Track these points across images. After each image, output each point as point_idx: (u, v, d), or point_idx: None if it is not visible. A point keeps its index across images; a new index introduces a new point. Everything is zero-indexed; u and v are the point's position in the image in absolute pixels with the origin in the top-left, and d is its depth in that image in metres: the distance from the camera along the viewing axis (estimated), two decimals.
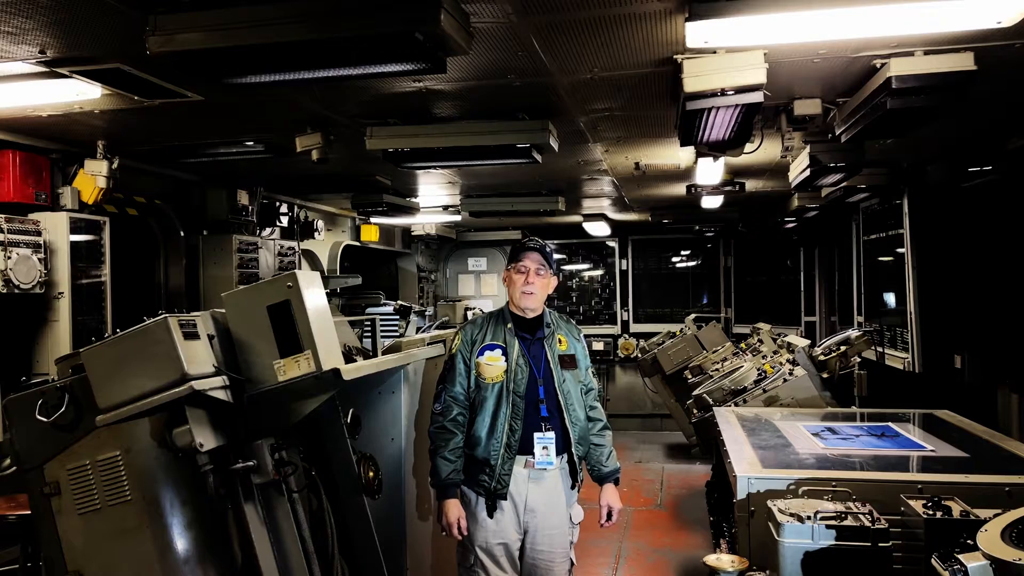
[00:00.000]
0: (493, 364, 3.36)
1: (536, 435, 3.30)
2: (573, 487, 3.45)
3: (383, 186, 6.82)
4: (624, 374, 11.67)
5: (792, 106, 4.06)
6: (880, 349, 6.95)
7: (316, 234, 7.93)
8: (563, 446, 3.36)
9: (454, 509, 3.29)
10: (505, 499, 3.28)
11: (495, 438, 3.28)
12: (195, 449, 2.38)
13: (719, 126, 3.56)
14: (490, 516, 3.29)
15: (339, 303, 7.93)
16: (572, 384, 3.42)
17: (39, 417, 2.49)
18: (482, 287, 12.49)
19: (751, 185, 7.03)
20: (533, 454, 3.30)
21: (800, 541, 2.76)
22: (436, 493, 3.39)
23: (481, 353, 3.38)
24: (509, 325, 3.44)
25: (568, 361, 3.46)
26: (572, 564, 3.47)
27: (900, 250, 6.78)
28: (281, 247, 7.21)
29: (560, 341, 3.49)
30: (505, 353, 3.37)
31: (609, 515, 3.49)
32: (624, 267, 12.15)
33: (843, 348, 6.66)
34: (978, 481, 3.20)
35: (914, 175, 6.36)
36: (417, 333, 6.42)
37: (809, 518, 2.77)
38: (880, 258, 7.61)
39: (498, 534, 3.30)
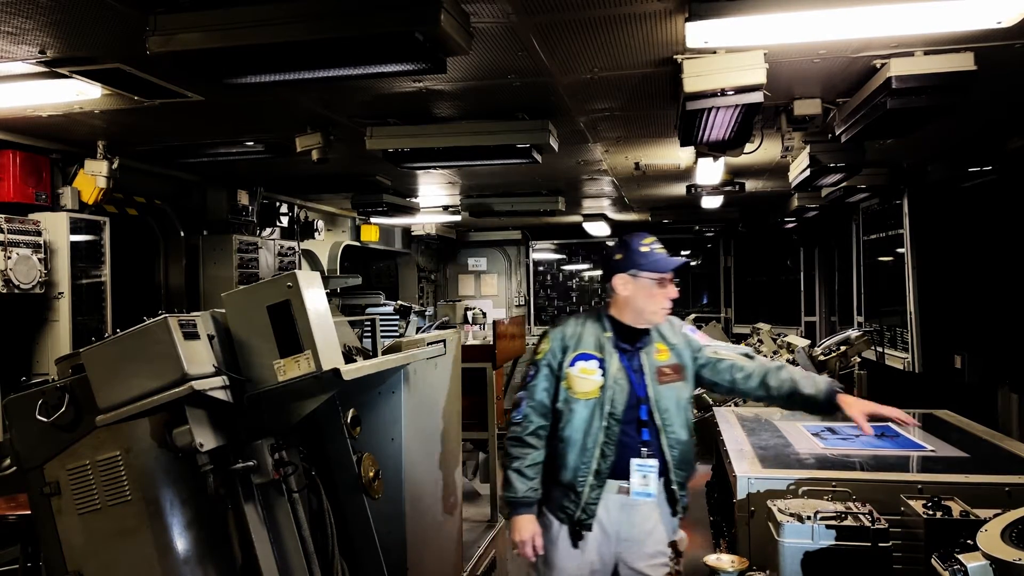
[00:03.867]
0: (587, 378, 2.91)
1: (634, 461, 2.87)
2: (674, 514, 3.01)
3: (383, 186, 6.82)
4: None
5: (792, 106, 4.06)
6: (880, 349, 6.95)
7: (316, 234, 7.93)
8: (660, 471, 2.92)
9: (528, 525, 2.92)
10: (591, 529, 2.89)
11: (584, 462, 2.87)
12: (195, 449, 2.38)
13: (719, 126, 3.56)
14: (574, 546, 2.91)
15: (339, 303, 7.93)
16: (672, 400, 2.93)
17: (39, 417, 2.49)
18: (482, 287, 12.49)
19: (751, 185, 7.04)
20: (628, 480, 2.89)
21: (800, 541, 2.76)
22: (508, 508, 2.99)
23: (573, 363, 2.93)
24: (609, 334, 2.96)
25: (668, 373, 2.96)
26: None
27: (900, 250, 6.78)
28: (281, 247, 7.21)
29: (659, 351, 2.99)
30: (602, 366, 2.91)
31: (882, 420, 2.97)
32: None
33: (843, 348, 6.67)
34: (978, 481, 3.19)
35: (914, 175, 6.37)
36: (417, 333, 6.42)
37: (809, 518, 2.77)
38: (880, 258, 7.61)
39: (583, 567, 2.92)
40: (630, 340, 2.97)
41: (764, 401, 3.12)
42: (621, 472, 2.89)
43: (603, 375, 2.90)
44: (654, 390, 2.91)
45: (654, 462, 2.87)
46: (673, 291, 2.94)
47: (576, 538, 2.91)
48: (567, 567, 2.94)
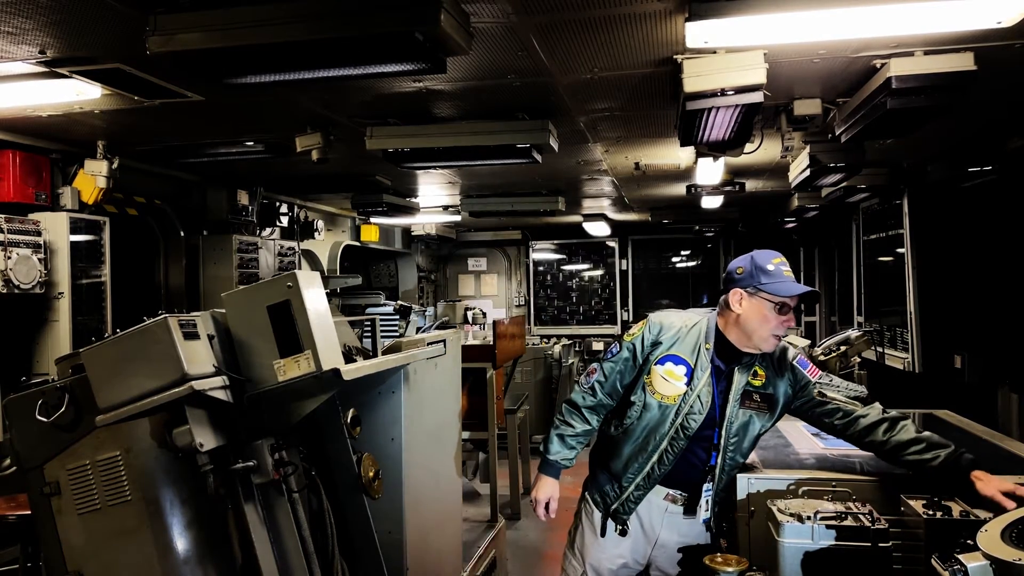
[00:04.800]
0: (670, 381, 2.76)
1: (705, 488, 2.82)
2: (710, 530, 2.98)
3: (383, 186, 6.82)
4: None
5: (792, 106, 4.06)
6: (880, 349, 6.95)
7: (316, 234, 7.93)
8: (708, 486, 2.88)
9: (547, 487, 2.90)
10: (626, 524, 2.87)
11: (638, 462, 2.81)
12: (195, 449, 2.38)
13: (719, 126, 3.56)
14: (602, 535, 2.90)
15: (339, 303, 7.93)
16: (744, 426, 2.81)
17: (39, 417, 2.49)
18: (482, 287, 12.50)
19: (751, 185, 7.04)
20: (679, 490, 2.85)
21: (800, 541, 2.75)
22: (540, 467, 2.98)
23: (662, 361, 2.78)
24: (709, 345, 2.77)
25: (757, 400, 2.80)
26: None
27: (900, 250, 6.78)
28: (281, 247, 7.21)
29: (757, 375, 2.82)
30: (690, 375, 2.75)
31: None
32: (624, 267, 12.15)
33: (843, 348, 6.66)
34: None
35: (914, 175, 6.37)
36: (417, 333, 6.42)
37: (809, 518, 2.76)
38: (880, 258, 7.61)
39: (615, 558, 2.90)
40: (728, 359, 2.79)
41: (872, 452, 2.92)
42: (673, 482, 2.83)
43: (687, 384, 2.75)
44: (731, 410, 2.78)
45: (712, 487, 2.84)
46: (791, 320, 2.71)
47: (613, 529, 2.88)
48: (599, 555, 2.92)
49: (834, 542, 2.72)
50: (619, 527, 2.89)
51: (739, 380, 2.79)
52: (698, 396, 2.75)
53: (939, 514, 2.66)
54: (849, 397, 2.90)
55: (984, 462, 3.66)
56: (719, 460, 2.82)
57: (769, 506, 2.97)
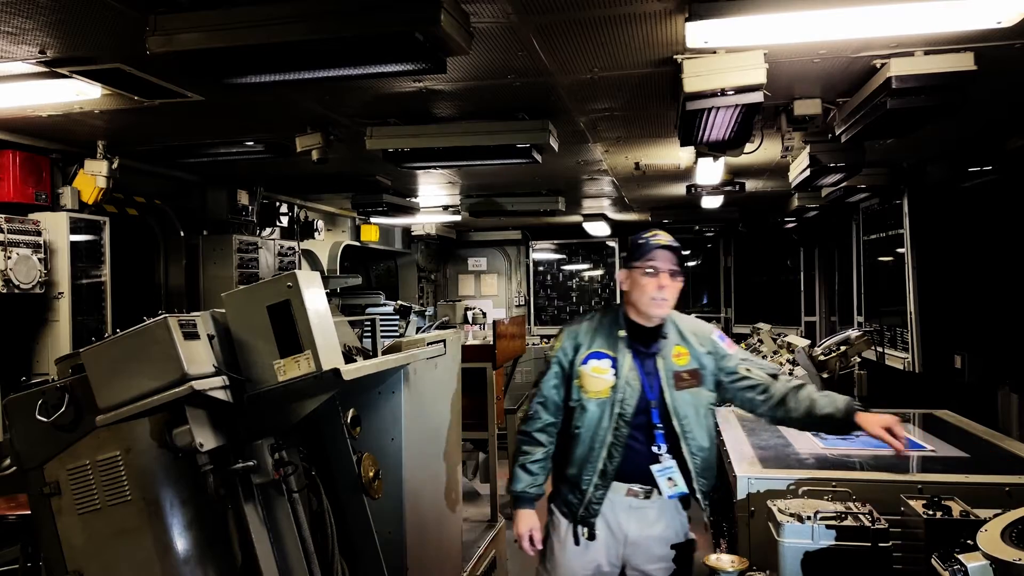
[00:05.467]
0: (599, 377, 2.87)
1: (654, 468, 2.82)
2: (688, 521, 3.00)
3: (383, 186, 6.82)
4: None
5: (792, 106, 4.06)
6: (880, 349, 6.95)
7: (316, 234, 7.93)
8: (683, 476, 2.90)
9: (528, 519, 2.93)
10: (595, 528, 2.87)
11: (590, 462, 2.85)
12: (195, 449, 2.38)
13: (719, 126, 3.56)
14: (577, 543, 2.89)
15: (339, 303, 7.93)
16: (691, 407, 2.87)
17: (39, 417, 2.49)
18: (482, 287, 12.49)
19: (751, 185, 7.04)
20: (638, 483, 2.85)
21: (800, 541, 2.76)
22: (511, 501, 3.01)
23: (586, 361, 2.89)
24: (622, 333, 2.90)
25: (687, 378, 2.88)
26: None
27: (900, 250, 6.78)
28: (281, 247, 7.21)
29: (679, 354, 2.91)
30: (615, 365, 2.87)
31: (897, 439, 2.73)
32: None
33: (843, 348, 6.67)
34: (978, 481, 3.20)
35: (914, 175, 6.37)
36: (417, 333, 6.42)
37: (809, 518, 2.77)
38: (880, 258, 7.61)
39: (587, 566, 2.89)
40: (645, 341, 2.91)
41: (782, 423, 3.01)
42: (628, 475, 2.85)
43: (615, 375, 2.86)
44: (671, 396, 2.85)
45: (672, 462, 2.83)
46: (665, 281, 2.82)
47: (580, 536, 2.88)
48: (571, 565, 2.91)
49: (834, 542, 2.72)
50: (587, 532, 2.88)
51: (664, 366, 2.88)
52: (627, 382, 2.84)
53: (939, 514, 2.66)
54: (767, 374, 2.99)
55: (984, 462, 3.66)
56: (683, 446, 2.84)
57: (769, 506, 2.98)
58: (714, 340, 3.00)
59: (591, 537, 2.88)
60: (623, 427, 2.83)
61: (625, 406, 2.83)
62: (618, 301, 3.00)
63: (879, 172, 6.32)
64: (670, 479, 2.83)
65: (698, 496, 2.90)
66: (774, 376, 2.99)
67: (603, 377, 2.86)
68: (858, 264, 8.25)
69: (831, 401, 2.85)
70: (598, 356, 2.89)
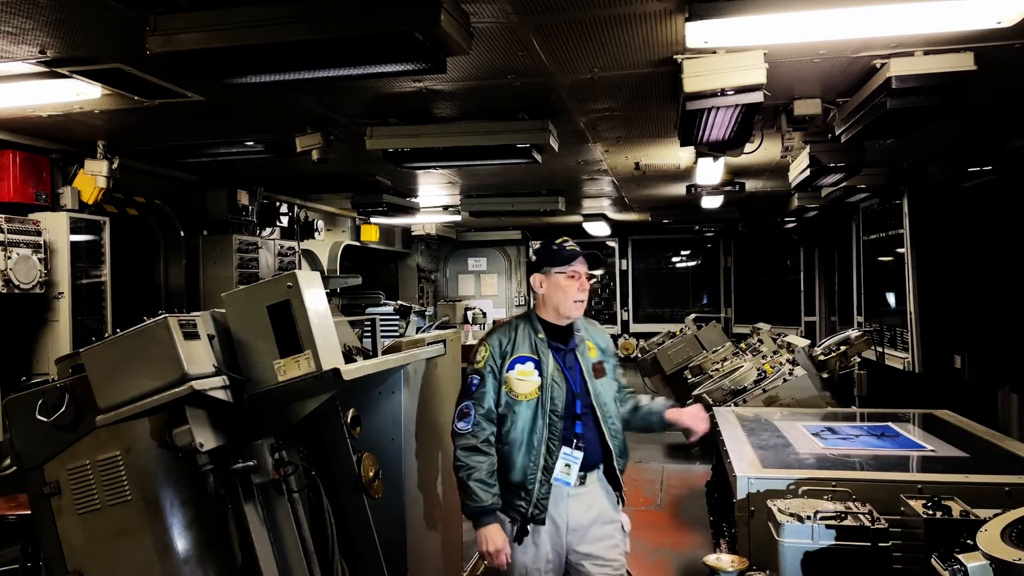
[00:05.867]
0: (526, 379, 3.01)
1: (564, 450, 2.98)
2: (620, 501, 3.13)
3: (383, 186, 6.82)
4: (624, 374, 11.67)
5: (792, 106, 4.06)
6: (880, 349, 6.96)
7: (316, 234, 7.93)
8: (601, 459, 3.06)
9: (499, 534, 2.94)
10: (543, 523, 2.97)
11: (531, 460, 2.96)
12: (195, 449, 2.38)
13: (719, 126, 3.56)
14: (519, 542, 2.98)
15: (339, 303, 7.93)
16: (607, 394, 3.11)
17: (39, 417, 2.49)
18: (482, 287, 12.50)
19: (751, 185, 7.04)
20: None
21: (800, 541, 2.76)
22: (472, 520, 3.00)
23: (511, 367, 3.03)
24: (541, 335, 3.07)
25: (600, 369, 3.13)
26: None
27: (900, 250, 6.78)
28: (281, 247, 7.21)
29: (590, 348, 3.16)
30: (539, 367, 3.02)
31: (687, 433, 3.09)
32: (624, 267, 12.16)
33: (843, 348, 6.67)
34: (978, 481, 3.20)
35: (914, 175, 6.37)
36: (417, 333, 6.42)
37: (809, 518, 2.77)
38: (880, 258, 7.61)
39: (539, 560, 2.99)
40: (561, 339, 3.10)
41: (626, 426, 3.23)
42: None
43: (540, 375, 3.01)
44: (593, 385, 3.06)
45: (579, 454, 3.00)
46: (584, 284, 3.07)
47: (527, 534, 2.98)
48: (524, 562, 2.99)
49: (834, 542, 2.72)
50: (538, 526, 3.00)
51: (584, 360, 3.10)
52: (553, 380, 3.01)
53: (939, 514, 2.66)
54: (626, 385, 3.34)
55: (984, 462, 3.66)
56: (604, 430, 3.04)
57: (769, 506, 2.98)
58: (608, 339, 3.30)
59: (541, 521, 2.98)
60: (556, 422, 2.98)
61: (555, 403, 2.99)
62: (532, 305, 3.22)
63: (879, 172, 6.32)
64: (568, 465, 2.99)
65: (619, 474, 3.09)
66: (632, 392, 3.35)
67: (530, 379, 3.00)
68: (858, 264, 8.25)
69: (654, 401, 3.27)
70: (522, 360, 3.03)
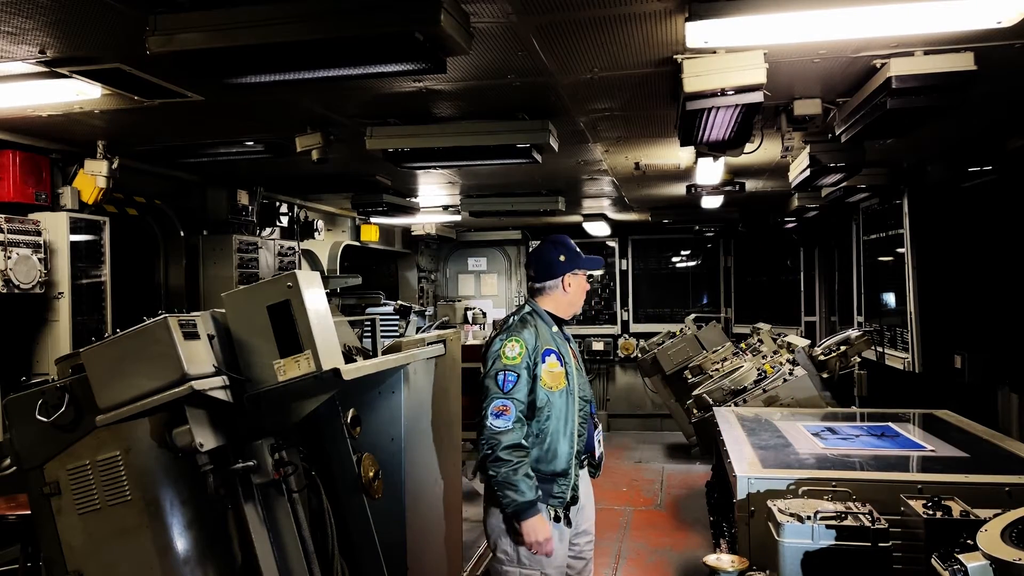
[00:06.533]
0: (555, 371, 3.18)
1: (597, 432, 3.36)
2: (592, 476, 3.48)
3: (383, 186, 6.82)
4: (624, 374, 11.67)
5: (792, 106, 4.06)
6: (880, 349, 6.96)
7: (316, 234, 7.93)
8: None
9: (545, 524, 3.06)
10: (577, 503, 3.23)
11: (571, 449, 3.16)
12: (195, 449, 2.38)
13: (719, 126, 3.56)
14: (567, 524, 3.19)
15: (339, 303, 7.92)
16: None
17: (39, 417, 2.49)
18: (482, 287, 12.49)
19: (751, 185, 7.03)
20: (587, 454, 3.31)
21: (800, 541, 2.76)
22: (519, 515, 3.04)
23: (543, 359, 3.19)
24: (555, 328, 3.31)
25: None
26: None
27: (900, 250, 6.78)
28: (281, 247, 7.21)
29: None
30: (560, 357, 3.23)
31: None
32: (624, 267, 12.15)
33: (843, 348, 6.67)
34: (978, 481, 3.20)
35: (914, 175, 6.36)
36: (417, 333, 6.42)
37: (809, 518, 2.77)
38: (880, 258, 7.60)
39: (565, 541, 3.21)
40: (564, 332, 3.39)
41: None
42: (587, 447, 3.31)
43: (563, 365, 3.22)
44: (583, 372, 3.39)
45: (600, 427, 3.40)
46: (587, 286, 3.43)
47: (566, 518, 3.17)
48: (558, 547, 3.15)
49: (834, 542, 2.72)
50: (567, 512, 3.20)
51: (576, 349, 3.42)
52: (576, 369, 3.27)
53: (939, 514, 2.67)
54: None
55: (984, 462, 3.66)
56: (595, 408, 3.38)
57: (769, 506, 2.98)
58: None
59: (575, 501, 3.21)
60: (585, 406, 3.25)
61: (582, 389, 3.27)
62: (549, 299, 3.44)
63: (879, 172, 6.32)
64: (599, 441, 3.37)
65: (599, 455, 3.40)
66: None
67: (557, 370, 3.19)
68: (858, 264, 8.25)
69: None
70: (548, 353, 3.20)
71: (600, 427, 3.41)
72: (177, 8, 2.69)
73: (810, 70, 3.59)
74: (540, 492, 3.07)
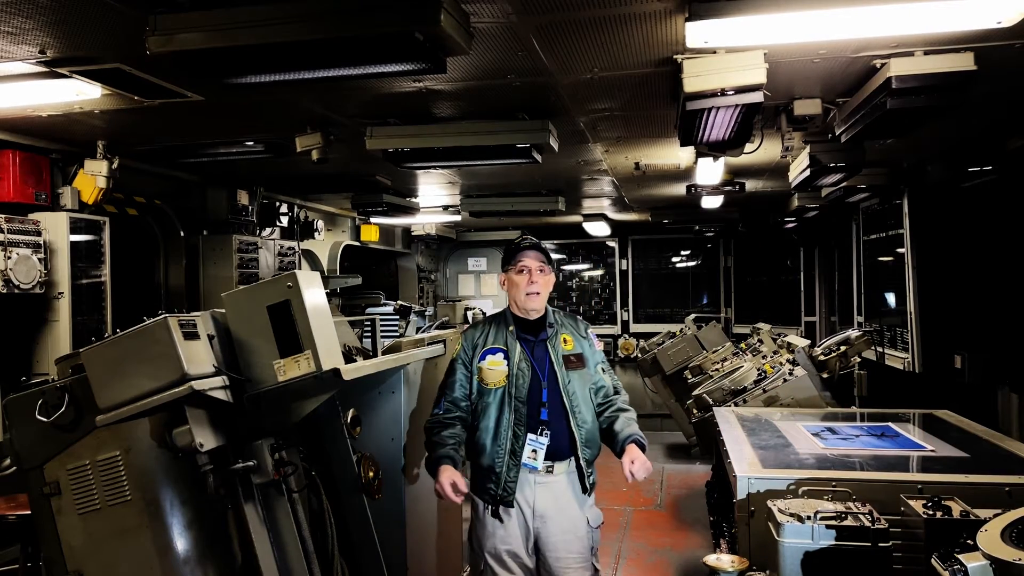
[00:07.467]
0: (495, 369, 3.27)
1: (529, 436, 3.21)
2: (584, 490, 3.29)
3: (383, 186, 6.82)
4: (624, 374, 11.67)
5: (792, 106, 4.06)
6: (880, 349, 6.96)
7: (316, 234, 7.93)
8: (569, 450, 3.25)
9: (446, 472, 3.17)
10: (512, 506, 3.21)
11: (499, 445, 3.21)
12: (195, 449, 2.38)
13: (719, 126, 3.56)
14: (500, 521, 3.22)
15: (339, 303, 7.93)
16: (579, 385, 3.30)
17: (39, 417, 2.49)
18: (482, 287, 12.50)
19: (751, 185, 7.03)
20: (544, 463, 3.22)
21: (800, 541, 2.76)
22: (431, 470, 3.27)
23: (483, 358, 3.30)
24: (511, 328, 3.35)
25: (574, 361, 3.34)
26: (596, 571, 3.32)
27: (900, 250, 6.78)
28: (281, 247, 7.20)
29: (565, 340, 3.37)
30: (507, 357, 3.28)
31: (632, 474, 3.16)
32: (624, 267, 12.15)
33: (843, 348, 6.66)
34: (978, 481, 3.20)
35: (914, 175, 6.36)
36: (417, 333, 6.42)
37: (809, 518, 2.77)
38: (880, 258, 7.60)
39: (506, 540, 3.22)
40: (532, 332, 3.36)
41: (604, 436, 3.39)
42: (559, 454, 3.23)
43: (507, 364, 3.27)
44: (563, 375, 3.28)
45: (544, 439, 3.22)
46: (536, 277, 3.30)
47: (498, 515, 3.21)
48: (493, 540, 3.23)
49: (834, 542, 2.72)
50: (501, 509, 3.22)
51: (554, 351, 3.32)
52: (519, 368, 3.26)
53: (939, 514, 2.67)
54: (612, 385, 3.46)
55: (984, 462, 3.66)
56: (571, 418, 3.23)
57: (769, 506, 2.98)
58: (590, 335, 3.50)
59: (509, 504, 3.20)
60: (521, 408, 3.22)
61: (520, 390, 3.23)
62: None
63: (879, 172, 6.32)
64: (534, 451, 3.21)
65: (583, 463, 3.25)
66: (616, 391, 3.46)
67: (498, 369, 3.27)
68: (858, 264, 8.25)
69: (626, 424, 3.32)
70: (492, 351, 3.31)
71: (544, 437, 3.21)
72: (177, 8, 2.69)
73: (810, 70, 3.59)
74: (455, 452, 3.23)
